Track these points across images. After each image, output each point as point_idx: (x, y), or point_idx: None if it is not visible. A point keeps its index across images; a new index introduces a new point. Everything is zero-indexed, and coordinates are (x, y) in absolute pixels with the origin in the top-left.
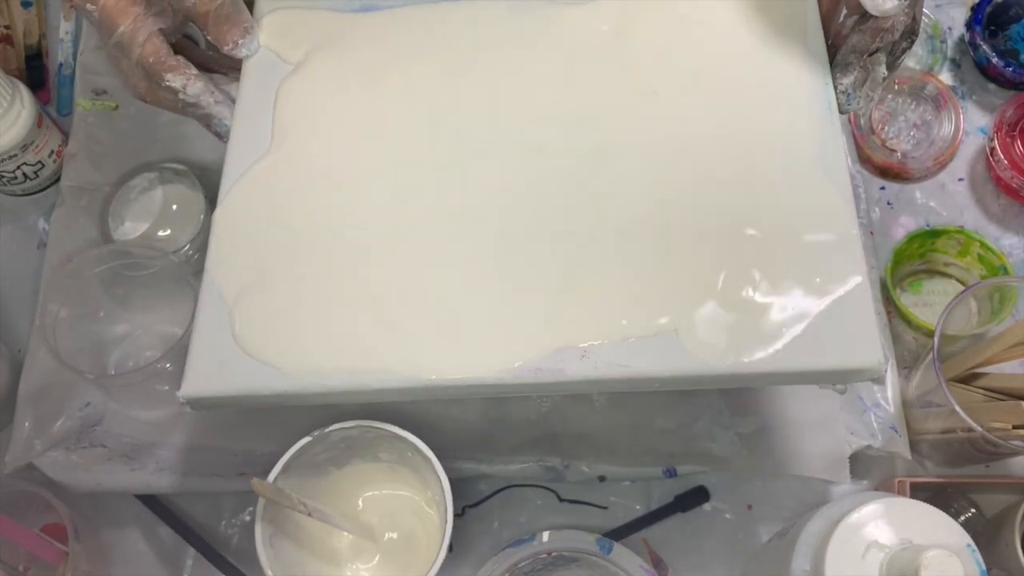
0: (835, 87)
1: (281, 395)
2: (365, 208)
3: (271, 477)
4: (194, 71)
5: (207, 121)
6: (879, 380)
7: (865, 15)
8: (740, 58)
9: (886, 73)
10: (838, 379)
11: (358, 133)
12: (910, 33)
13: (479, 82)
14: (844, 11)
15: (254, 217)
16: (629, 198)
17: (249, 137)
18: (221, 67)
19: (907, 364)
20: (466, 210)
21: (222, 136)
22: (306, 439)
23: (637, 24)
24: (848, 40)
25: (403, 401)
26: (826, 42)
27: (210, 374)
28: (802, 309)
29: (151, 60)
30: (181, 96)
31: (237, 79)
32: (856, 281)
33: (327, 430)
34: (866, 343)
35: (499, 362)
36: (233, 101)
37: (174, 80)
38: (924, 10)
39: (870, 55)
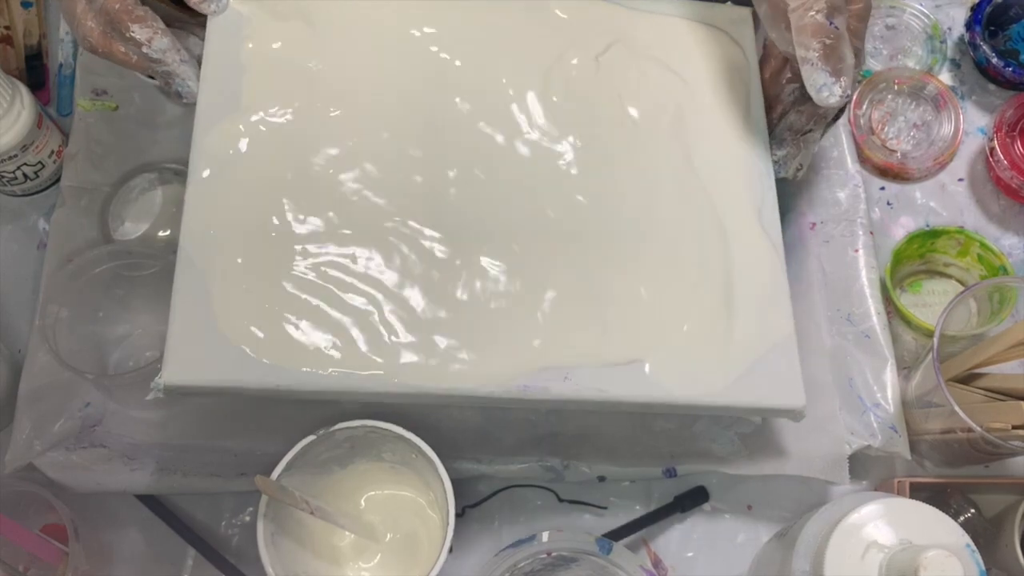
0: (771, 155)
1: (270, 390)
2: (350, 196)
3: (275, 474)
4: (161, 24)
5: (167, 79)
6: (797, 419)
7: (804, 96)
8: (703, 109)
9: (818, 142)
10: (768, 415)
11: (333, 101)
12: (841, 111)
13: (462, 69)
14: (787, 79)
15: (231, 190)
16: (614, 229)
17: (218, 103)
18: (177, 22)
19: (907, 364)
20: (459, 214)
21: (182, 95)
22: (311, 437)
23: (619, 52)
24: (786, 118)
25: (400, 403)
26: (767, 104)
27: (193, 362)
28: (745, 354)
29: (117, 7)
30: (144, 50)
31: (195, 34)
32: (785, 332)
33: (332, 429)
34: (793, 388)
35: (489, 375)
36: (196, 60)
37: (140, 32)
38: (924, 10)
39: (803, 135)
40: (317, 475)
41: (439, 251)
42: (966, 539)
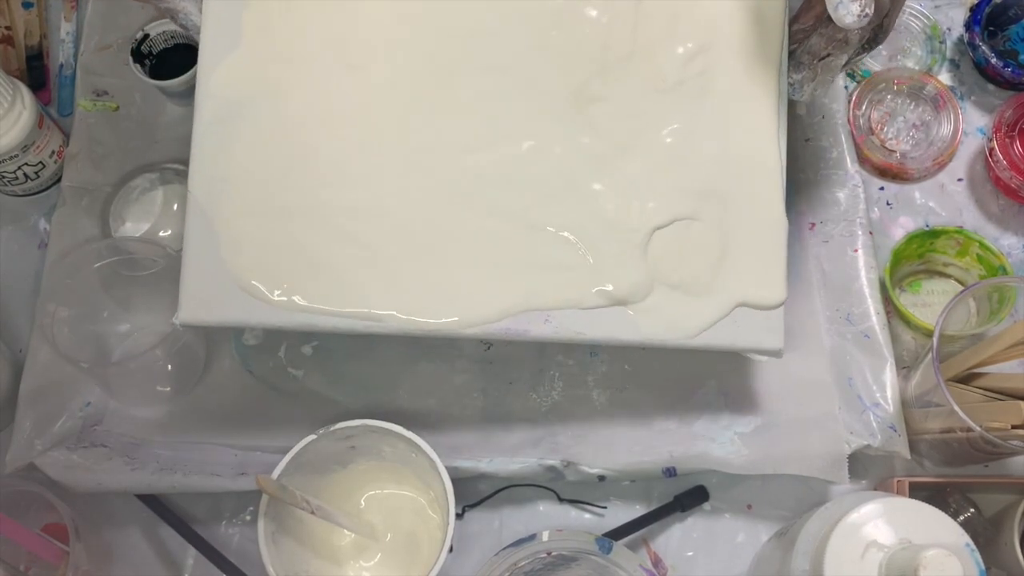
0: (788, 78)
1: (271, 327)
2: (349, 137)
3: (275, 473)
4: None
5: (172, 15)
6: (777, 356)
7: (828, 18)
8: (729, 63)
9: (840, 70)
10: (744, 353)
11: (338, 34)
12: (871, 42)
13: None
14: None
15: (235, 133)
16: (620, 174)
17: (221, 40)
18: None
19: (906, 364)
20: (464, 156)
21: (188, 29)
22: (311, 437)
23: None
24: (808, 40)
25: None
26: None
27: (203, 302)
28: (730, 298)
29: None
30: None
31: None
32: (776, 294)
33: (332, 428)
34: (772, 331)
35: (474, 318)
36: None
37: None
38: (923, 10)
39: (821, 59)
40: (318, 474)
41: (439, 191)
42: (965, 538)
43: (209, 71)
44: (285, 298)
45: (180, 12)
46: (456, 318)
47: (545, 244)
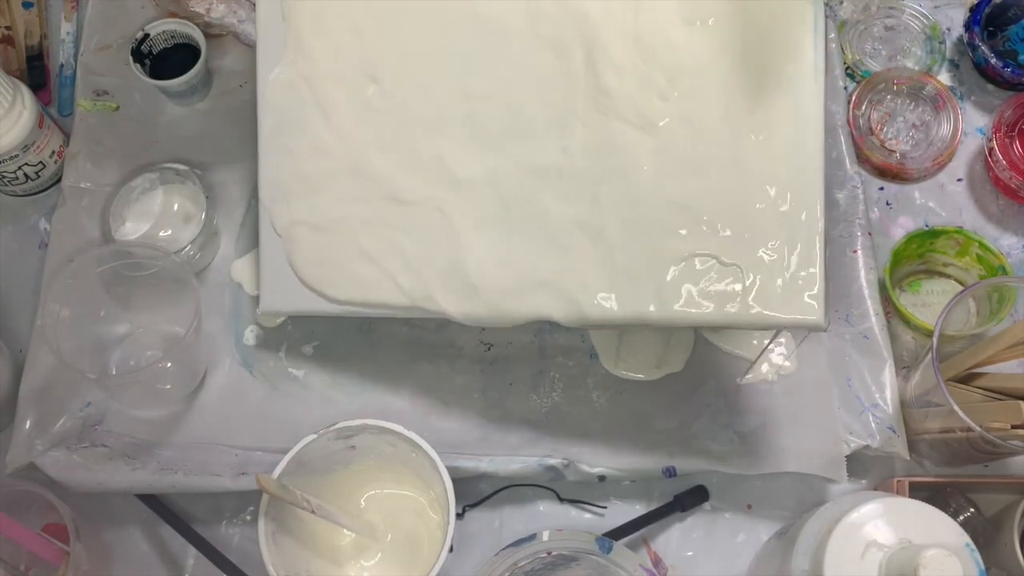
0: None
1: (335, 317)
2: (389, 156)
3: (276, 473)
4: None
5: (235, 36)
6: (821, 329)
7: None
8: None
9: None
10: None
11: (375, 43)
12: None
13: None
14: None
15: (289, 145)
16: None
17: (272, 53)
18: None
19: (906, 364)
20: (519, 146)
21: (251, 46)
22: (311, 436)
23: None
24: None
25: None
26: None
27: (279, 295)
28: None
29: None
30: (206, 18)
31: None
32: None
33: (332, 428)
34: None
35: (524, 313)
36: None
37: (198, 6)
38: (922, 11)
39: None
40: (318, 474)
41: (497, 188)
42: (965, 538)
43: (264, 82)
44: (342, 296)
45: (240, 34)
46: (500, 315)
47: (605, 234)
